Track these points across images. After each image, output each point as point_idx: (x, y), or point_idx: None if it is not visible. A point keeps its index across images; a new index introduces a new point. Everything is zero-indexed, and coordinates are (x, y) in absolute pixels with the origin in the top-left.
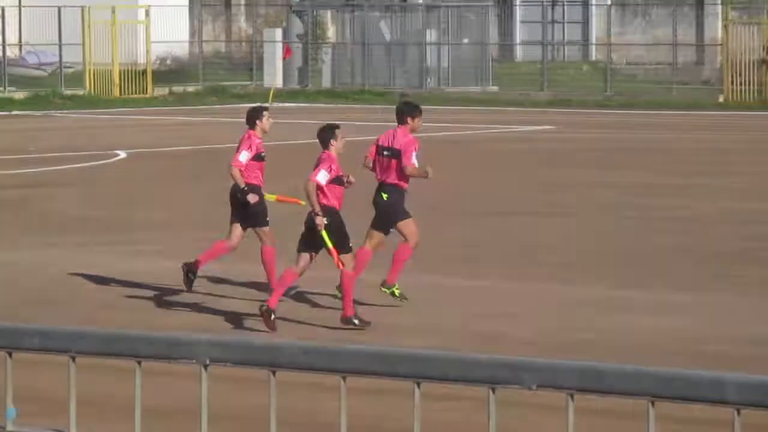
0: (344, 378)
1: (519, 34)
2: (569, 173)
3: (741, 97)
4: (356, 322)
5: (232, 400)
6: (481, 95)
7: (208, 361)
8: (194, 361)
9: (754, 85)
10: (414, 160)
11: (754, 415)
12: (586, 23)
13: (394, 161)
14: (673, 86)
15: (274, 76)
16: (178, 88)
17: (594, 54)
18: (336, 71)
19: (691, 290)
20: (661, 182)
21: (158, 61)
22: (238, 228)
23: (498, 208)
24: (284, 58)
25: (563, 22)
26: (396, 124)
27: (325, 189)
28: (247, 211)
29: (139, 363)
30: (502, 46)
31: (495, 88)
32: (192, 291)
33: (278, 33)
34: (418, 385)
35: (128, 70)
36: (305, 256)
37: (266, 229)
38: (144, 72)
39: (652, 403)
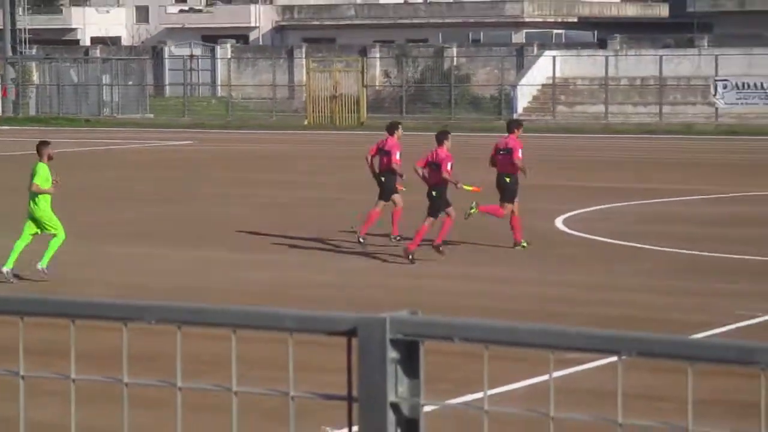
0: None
1: (168, 77)
2: (206, 173)
3: (319, 121)
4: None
5: None
6: (141, 120)
7: None
8: None
9: (327, 113)
10: (521, 155)
11: (305, 338)
12: (214, 70)
13: (508, 157)
14: (273, 113)
15: None
16: None
17: (219, 91)
18: (39, 104)
19: (276, 252)
20: (260, 178)
21: None
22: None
23: (164, 196)
24: (3, 96)
25: (198, 70)
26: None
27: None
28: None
29: None
30: (156, 86)
31: (151, 115)
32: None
33: None
34: (73, 321)
35: None
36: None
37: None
38: None
39: (234, 331)
